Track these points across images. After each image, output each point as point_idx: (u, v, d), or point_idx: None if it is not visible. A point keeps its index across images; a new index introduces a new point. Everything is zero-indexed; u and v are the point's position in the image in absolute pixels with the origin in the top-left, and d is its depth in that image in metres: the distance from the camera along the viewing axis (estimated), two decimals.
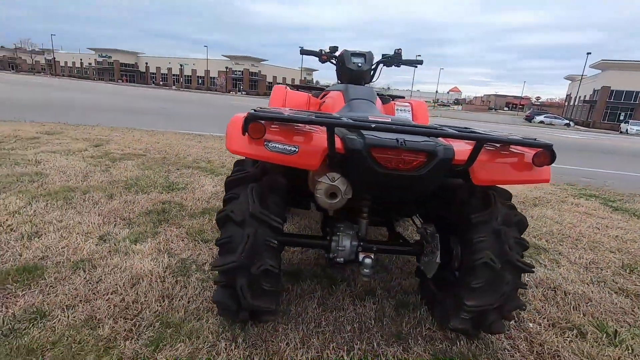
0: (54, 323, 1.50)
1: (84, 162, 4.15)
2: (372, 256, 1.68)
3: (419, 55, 57.66)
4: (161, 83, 67.78)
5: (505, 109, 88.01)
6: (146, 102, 16.46)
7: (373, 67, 2.50)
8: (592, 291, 2.21)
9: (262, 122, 1.23)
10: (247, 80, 62.77)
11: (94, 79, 66.77)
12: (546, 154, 1.31)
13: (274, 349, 1.50)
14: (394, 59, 2.51)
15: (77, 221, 2.55)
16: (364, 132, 1.31)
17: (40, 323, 1.50)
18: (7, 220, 2.45)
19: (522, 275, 1.52)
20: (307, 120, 1.24)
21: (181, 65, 66.61)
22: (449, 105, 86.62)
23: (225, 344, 1.48)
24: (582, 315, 1.95)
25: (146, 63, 71.68)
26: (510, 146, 1.42)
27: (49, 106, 10.75)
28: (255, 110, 1.27)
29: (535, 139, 1.32)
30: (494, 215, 1.46)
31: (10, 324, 1.48)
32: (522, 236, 1.51)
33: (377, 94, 2.58)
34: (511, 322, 1.82)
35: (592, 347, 1.69)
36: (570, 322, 1.87)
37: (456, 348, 1.60)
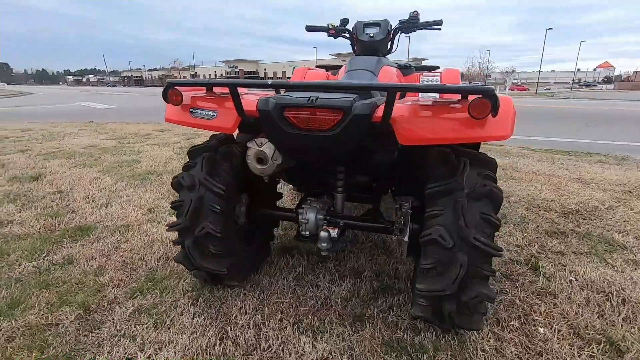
0: (74, 268, 1.87)
1: (172, 152, 4.91)
2: (334, 231, 1.58)
3: (550, 29, 48.90)
4: None
5: None
6: None
7: (391, 37, 2.31)
8: None
9: (178, 88, 1.31)
10: None
11: None
12: (485, 102, 1.02)
13: (224, 311, 1.56)
14: (410, 24, 2.25)
15: (140, 196, 3.06)
16: (290, 93, 1.26)
17: (66, 267, 1.89)
18: (95, 193, 3.11)
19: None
20: (211, 83, 1.26)
21: (293, 68, 71.56)
22: (595, 85, 71.43)
23: (186, 301, 1.61)
24: (634, 329, 1.46)
25: (264, 69, 79.45)
26: (453, 98, 1.16)
27: None
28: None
29: (485, 87, 1.05)
30: (456, 186, 1.22)
31: (48, 266, 1.90)
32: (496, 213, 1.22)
33: (399, 65, 2.37)
34: (511, 323, 1.48)
35: None
36: (606, 335, 1.42)
37: (418, 339, 1.39)
